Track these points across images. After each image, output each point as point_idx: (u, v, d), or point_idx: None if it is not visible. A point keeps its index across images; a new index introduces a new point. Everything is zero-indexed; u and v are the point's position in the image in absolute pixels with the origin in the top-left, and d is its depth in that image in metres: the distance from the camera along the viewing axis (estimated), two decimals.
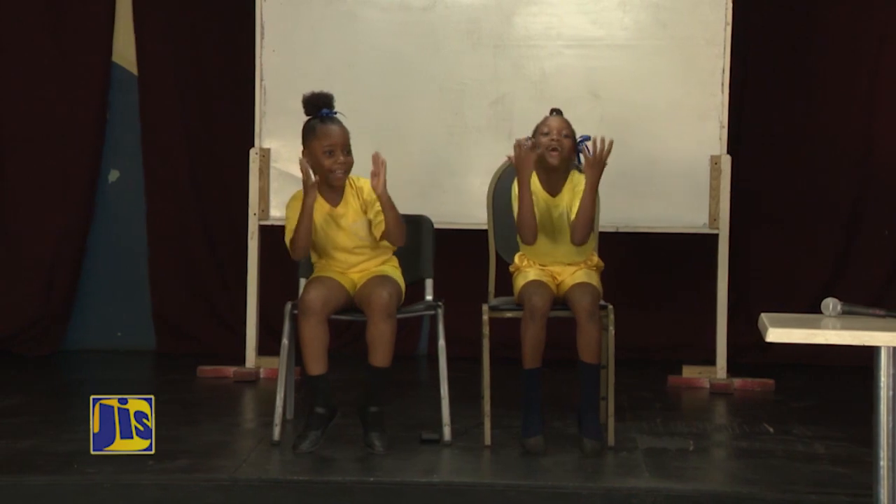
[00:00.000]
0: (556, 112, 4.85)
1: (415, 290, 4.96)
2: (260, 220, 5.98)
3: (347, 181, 4.73)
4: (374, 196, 4.66)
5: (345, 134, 4.68)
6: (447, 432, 4.73)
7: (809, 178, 6.42)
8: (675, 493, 4.16)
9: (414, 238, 4.99)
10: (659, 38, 5.89)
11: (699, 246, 6.06)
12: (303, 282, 4.86)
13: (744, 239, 6.31)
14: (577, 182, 4.78)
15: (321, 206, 4.70)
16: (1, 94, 6.54)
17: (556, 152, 4.74)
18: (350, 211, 4.73)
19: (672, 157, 5.87)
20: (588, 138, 4.75)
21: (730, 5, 5.81)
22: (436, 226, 5.09)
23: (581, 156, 4.78)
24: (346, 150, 4.68)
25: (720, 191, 5.83)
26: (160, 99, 6.58)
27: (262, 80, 5.96)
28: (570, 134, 4.79)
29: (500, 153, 5.25)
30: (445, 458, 4.60)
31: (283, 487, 4.22)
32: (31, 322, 6.53)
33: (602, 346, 4.67)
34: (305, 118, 4.71)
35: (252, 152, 5.98)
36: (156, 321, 6.65)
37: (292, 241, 4.67)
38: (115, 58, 6.63)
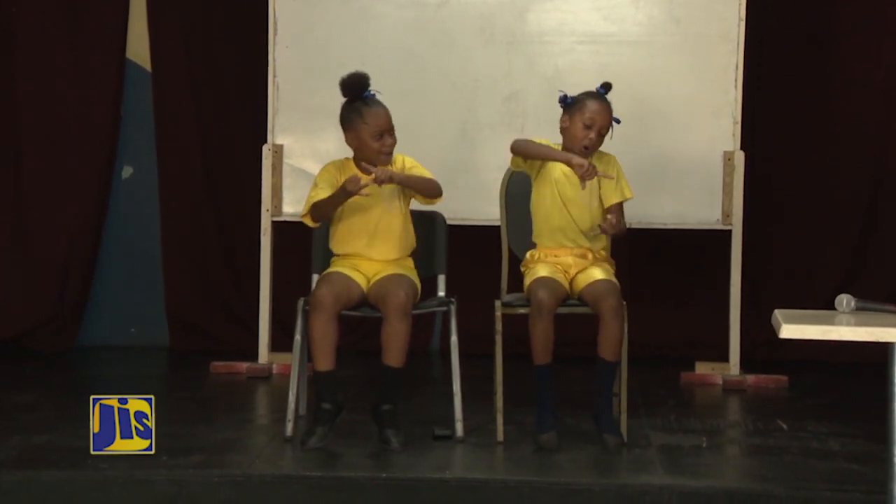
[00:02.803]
0: (605, 88, 4.78)
1: (427, 286, 4.96)
2: (273, 216, 5.98)
3: (394, 159, 4.77)
4: (412, 164, 4.74)
5: (389, 115, 4.71)
6: (460, 428, 4.74)
7: (823, 174, 6.41)
8: (688, 490, 4.16)
9: (427, 234, 4.99)
10: (672, 34, 5.88)
11: (712, 242, 6.05)
12: (315, 278, 4.86)
13: (757, 235, 6.30)
14: (606, 161, 4.79)
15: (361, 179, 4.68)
16: (16, 91, 6.55)
17: (589, 150, 4.73)
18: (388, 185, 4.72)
19: (685, 153, 5.86)
20: (618, 121, 4.74)
21: (744, 1, 5.80)
22: (448, 222, 5.09)
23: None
24: (392, 131, 4.72)
25: (734, 187, 5.82)
26: (174, 96, 6.59)
27: (275, 76, 5.97)
28: (608, 129, 4.75)
29: None
30: (458, 455, 4.60)
31: (296, 483, 4.23)
32: (46, 319, 6.54)
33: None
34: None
35: (265, 149, 5.98)
36: (169, 318, 6.66)
37: (317, 208, 4.66)
38: (129, 55, 6.64)
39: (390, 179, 4.60)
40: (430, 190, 4.73)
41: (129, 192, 6.71)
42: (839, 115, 6.37)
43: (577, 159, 4.64)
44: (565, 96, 4.82)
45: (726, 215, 5.84)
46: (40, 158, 6.56)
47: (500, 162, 5.36)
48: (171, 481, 4.20)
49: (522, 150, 4.81)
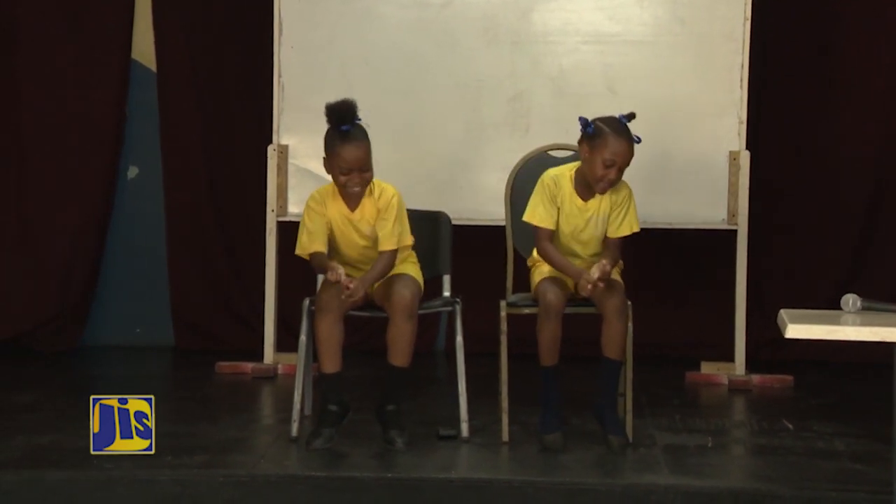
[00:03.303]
0: (629, 118, 4.61)
1: (432, 286, 4.95)
2: (278, 216, 5.98)
3: (372, 187, 4.69)
4: (387, 204, 4.66)
5: (361, 154, 4.59)
6: (465, 428, 4.73)
7: (829, 174, 6.40)
8: (693, 490, 4.15)
9: (431, 234, 4.99)
10: (677, 33, 5.88)
11: (718, 242, 6.04)
12: (321, 278, 4.86)
13: (763, 235, 6.28)
14: (618, 189, 4.69)
15: (339, 209, 4.70)
16: (21, 90, 6.55)
17: (608, 187, 4.64)
18: (366, 216, 4.70)
19: (690, 153, 5.86)
20: (639, 139, 4.63)
21: (749, 1, 5.79)
22: (453, 222, 5.09)
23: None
24: (364, 167, 4.61)
25: (739, 187, 5.82)
26: (179, 96, 6.59)
27: (280, 76, 5.97)
28: (628, 164, 4.62)
29: (517, 149, 5.25)
30: (463, 455, 4.60)
31: (301, 483, 4.23)
32: (50, 318, 6.54)
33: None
34: (324, 115, 4.67)
35: (270, 149, 5.98)
36: (174, 317, 6.66)
37: (307, 258, 4.70)
38: (135, 55, 6.63)
39: (360, 290, 4.53)
40: (388, 269, 4.69)
41: (134, 192, 6.70)
42: (843, 115, 6.36)
43: (583, 282, 4.54)
44: (586, 122, 4.64)
45: (731, 215, 5.84)
46: (44, 158, 6.56)
47: (504, 162, 5.37)
48: (175, 481, 4.20)
49: (544, 258, 4.74)
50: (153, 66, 6.63)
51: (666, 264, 6.43)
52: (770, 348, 6.24)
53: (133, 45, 6.62)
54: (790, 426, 5.04)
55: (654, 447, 4.67)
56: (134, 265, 6.71)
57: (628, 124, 4.63)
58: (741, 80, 5.81)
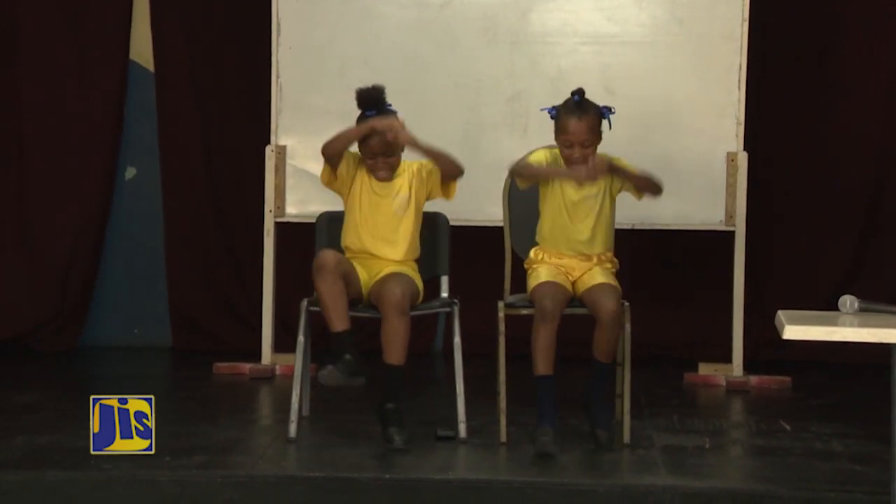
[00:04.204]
0: (576, 103, 4.65)
1: (430, 287, 4.96)
2: (276, 217, 5.98)
3: (405, 167, 4.81)
4: (420, 166, 4.77)
5: (386, 141, 4.69)
6: (463, 429, 4.73)
7: (827, 175, 6.40)
8: (691, 491, 4.15)
9: (429, 235, 4.99)
10: (675, 34, 5.88)
11: (716, 243, 6.04)
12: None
13: (760, 236, 6.29)
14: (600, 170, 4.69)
15: (366, 180, 4.77)
16: (19, 91, 6.56)
17: (582, 165, 4.64)
18: (396, 185, 4.78)
19: (688, 153, 5.86)
20: (610, 110, 4.67)
21: (747, 2, 5.79)
22: (451, 223, 5.09)
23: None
24: (390, 153, 4.73)
25: (737, 188, 5.82)
26: (177, 96, 6.59)
27: (278, 77, 5.97)
28: (593, 139, 4.64)
29: (515, 150, 5.25)
30: (461, 455, 4.60)
31: (300, 484, 4.23)
32: (49, 318, 6.55)
33: (619, 344, 4.67)
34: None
35: (268, 149, 5.98)
36: (172, 318, 6.67)
37: (330, 142, 4.72)
38: (133, 55, 6.64)
39: (410, 139, 4.65)
40: (449, 164, 4.75)
41: (132, 193, 6.71)
42: (841, 116, 6.37)
43: (575, 174, 4.58)
44: (551, 110, 4.73)
45: (729, 216, 5.84)
46: (43, 158, 6.56)
47: (502, 162, 5.35)
48: (174, 482, 4.20)
49: (523, 175, 4.77)
50: (151, 67, 6.63)
51: (664, 265, 6.43)
52: (768, 349, 6.24)
53: (131, 46, 6.62)
54: (788, 427, 5.05)
55: (652, 448, 4.67)
56: (132, 265, 6.71)
57: (581, 102, 4.65)
58: (739, 81, 5.82)
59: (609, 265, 4.81)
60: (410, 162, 4.83)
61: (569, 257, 4.77)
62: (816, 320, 3.52)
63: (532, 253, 4.86)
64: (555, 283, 4.67)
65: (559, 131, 4.69)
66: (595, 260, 4.78)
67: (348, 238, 4.84)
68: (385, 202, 4.78)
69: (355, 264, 4.76)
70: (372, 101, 4.72)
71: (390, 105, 4.73)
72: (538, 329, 4.57)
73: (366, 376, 4.59)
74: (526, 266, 4.89)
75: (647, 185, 4.71)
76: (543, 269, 4.74)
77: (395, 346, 4.60)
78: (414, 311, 4.66)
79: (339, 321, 4.58)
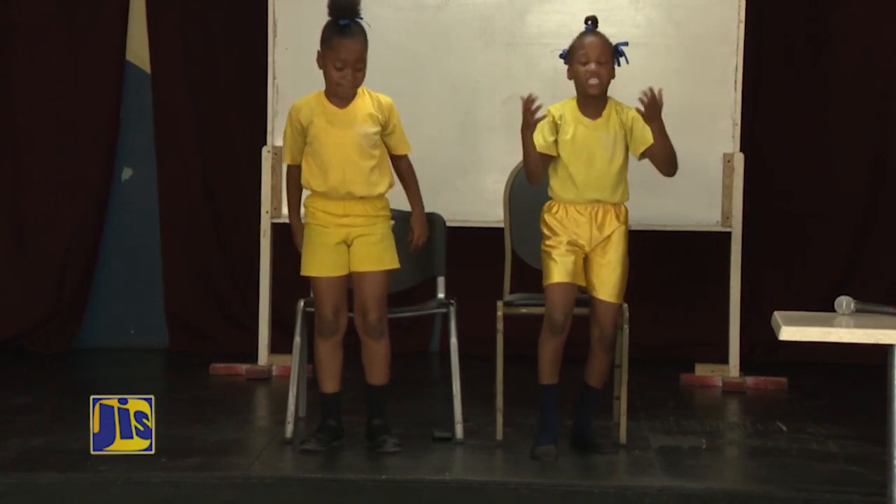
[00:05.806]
0: (592, 23, 4.60)
1: (427, 288, 4.95)
2: (272, 218, 5.98)
3: (363, 91, 4.59)
4: (393, 113, 4.62)
5: (358, 50, 4.49)
6: (459, 430, 4.73)
7: (823, 176, 6.40)
8: (687, 492, 4.16)
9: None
10: (671, 36, 5.88)
11: (712, 244, 6.05)
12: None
13: (757, 237, 6.30)
14: (621, 109, 4.59)
15: (326, 109, 4.56)
16: (15, 92, 6.55)
17: (596, 83, 4.54)
18: (360, 113, 4.56)
19: (685, 155, 5.78)
20: (625, 43, 4.62)
21: (743, 3, 5.80)
22: (447, 224, 5.08)
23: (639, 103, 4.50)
24: (358, 66, 4.51)
25: (733, 189, 5.82)
26: (173, 97, 6.59)
27: (274, 78, 5.97)
28: (609, 59, 4.56)
29: (511, 151, 5.23)
30: (458, 456, 4.60)
31: (296, 485, 4.23)
32: (44, 320, 6.54)
33: (617, 345, 4.66)
34: (326, 7, 4.55)
35: (264, 151, 5.98)
36: (168, 319, 6.66)
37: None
38: (129, 56, 6.63)
39: (424, 230, 4.70)
40: (413, 176, 4.77)
41: (129, 194, 6.70)
42: (838, 117, 6.37)
43: (523, 110, 4.46)
44: (563, 52, 4.67)
45: (726, 217, 5.84)
46: (39, 160, 6.55)
47: (499, 164, 5.37)
48: (170, 483, 4.20)
49: (528, 168, 4.61)
50: (148, 68, 6.62)
51: (660, 266, 6.43)
52: (765, 350, 6.25)
53: (128, 47, 6.62)
54: (784, 428, 5.05)
55: (648, 449, 4.67)
56: (128, 267, 6.70)
57: (595, 28, 4.63)
58: (735, 83, 5.82)
59: (623, 227, 4.57)
60: (377, 94, 4.61)
61: (584, 214, 4.54)
62: (813, 321, 3.52)
63: (546, 206, 4.61)
64: (567, 285, 4.51)
65: (574, 51, 4.58)
66: (612, 216, 4.56)
67: (314, 180, 4.60)
68: (349, 123, 4.54)
69: (331, 250, 4.60)
70: (344, 9, 4.50)
71: (362, 18, 4.53)
72: (546, 341, 4.52)
73: (345, 433, 4.65)
74: (544, 214, 4.61)
75: (670, 156, 4.57)
76: (558, 258, 4.52)
77: (376, 367, 4.63)
78: (410, 313, 4.66)
79: (330, 384, 4.61)
